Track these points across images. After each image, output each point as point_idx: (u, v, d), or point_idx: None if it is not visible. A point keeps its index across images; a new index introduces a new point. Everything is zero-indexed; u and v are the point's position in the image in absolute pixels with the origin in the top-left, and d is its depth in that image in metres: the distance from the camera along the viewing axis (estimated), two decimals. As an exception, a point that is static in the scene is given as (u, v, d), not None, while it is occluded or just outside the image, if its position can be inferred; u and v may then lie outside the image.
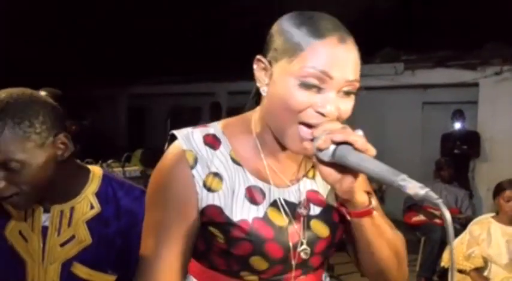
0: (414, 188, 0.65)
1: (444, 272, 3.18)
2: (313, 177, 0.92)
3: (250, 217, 0.83)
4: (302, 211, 0.87)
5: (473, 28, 5.27)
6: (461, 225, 3.84)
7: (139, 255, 0.86)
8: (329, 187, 0.86)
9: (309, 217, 0.88)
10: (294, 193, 0.88)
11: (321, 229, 0.88)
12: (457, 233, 2.96)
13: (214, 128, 0.89)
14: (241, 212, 0.83)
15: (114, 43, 7.66)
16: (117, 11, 7.28)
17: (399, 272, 0.90)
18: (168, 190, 0.84)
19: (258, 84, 0.84)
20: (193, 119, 7.06)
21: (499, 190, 2.76)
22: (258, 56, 0.84)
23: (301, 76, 0.76)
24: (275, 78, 0.80)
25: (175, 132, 0.88)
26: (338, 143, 0.73)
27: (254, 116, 0.90)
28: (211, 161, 0.85)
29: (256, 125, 0.88)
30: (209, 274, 0.87)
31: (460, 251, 2.80)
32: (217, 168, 0.85)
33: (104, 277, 1.07)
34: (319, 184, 0.91)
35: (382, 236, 0.85)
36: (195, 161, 0.84)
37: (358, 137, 0.73)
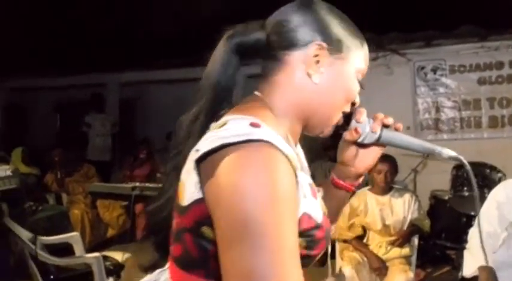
0: (448, 152, 0.88)
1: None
2: None
3: (321, 214, 0.78)
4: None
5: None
6: (347, 199, 4.19)
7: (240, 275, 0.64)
8: None
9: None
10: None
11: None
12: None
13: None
14: (317, 211, 0.77)
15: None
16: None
17: None
18: (282, 203, 0.67)
19: (311, 71, 0.80)
20: (84, 113, 6.68)
21: (371, 164, 3.05)
22: (322, 43, 0.80)
23: (359, 70, 0.85)
24: (339, 68, 0.82)
25: (264, 137, 0.68)
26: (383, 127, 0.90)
27: (276, 106, 0.82)
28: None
29: (282, 117, 0.82)
30: None
31: (343, 222, 3.05)
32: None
33: None
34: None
35: None
36: (297, 167, 0.73)
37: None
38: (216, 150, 0.69)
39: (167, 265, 0.84)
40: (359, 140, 0.90)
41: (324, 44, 0.80)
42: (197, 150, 0.72)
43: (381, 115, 0.90)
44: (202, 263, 0.73)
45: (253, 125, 0.71)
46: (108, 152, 6.37)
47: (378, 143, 0.91)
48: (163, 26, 6.41)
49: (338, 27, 0.82)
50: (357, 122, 0.88)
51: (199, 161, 0.71)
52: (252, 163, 0.67)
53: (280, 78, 0.83)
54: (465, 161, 0.89)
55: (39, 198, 4.53)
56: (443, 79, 5.61)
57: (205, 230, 0.71)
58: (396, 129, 0.91)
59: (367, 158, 0.95)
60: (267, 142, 0.68)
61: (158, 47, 6.63)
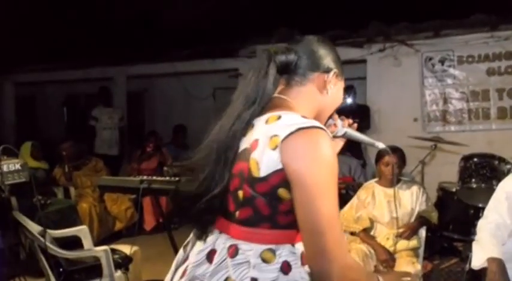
0: (380, 145, 1.35)
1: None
2: None
3: None
4: None
5: (357, 9, 5.64)
6: (354, 192, 4.17)
7: (323, 218, 0.99)
8: None
9: None
10: None
11: None
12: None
13: None
14: None
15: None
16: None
17: None
18: (335, 172, 1.04)
19: (328, 87, 1.21)
20: (91, 107, 6.69)
21: (379, 156, 3.03)
22: (336, 71, 1.22)
23: (343, 88, 1.28)
24: (338, 86, 1.24)
25: (319, 124, 1.06)
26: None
27: (300, 107, 1.17)
28: None
29: (304, 114, 1.13)
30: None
31: (350, 215, 3.04)
32: None
33: None
34: None
35: None
36: None
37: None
38: (293, 132, 1.02)
39: (214, 234, 1.13)
40: (333, 134, 1.29)
41: (337, 72, 1.22)
42: (275, 135, 1.04)
43: (345, 118, 1.33)
44: (269, 219, 1.06)
45: (303, 117, 1.09)
46: (116, 145, 6.39)
47: (343, 136, 1.34)
48: (169, 19, 6.39)
49: (339, 60, 1.25)
50: (334, 121, 1.31)
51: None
52: (320, 142, 1.02)
53: (304, 89, 1.20)
54: (389, 150, 1.44)
55: (48, 192, 4.57)
56: (451, 70, 5.54)
57: (282, 192, 1.04)
58: (353, 129, 1.35)
59: (336, 148, 1.32)
60: (323, 128, 1.06)
61: (164, 40, 6.61)
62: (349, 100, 6.03)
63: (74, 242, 3.00)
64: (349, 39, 5.89)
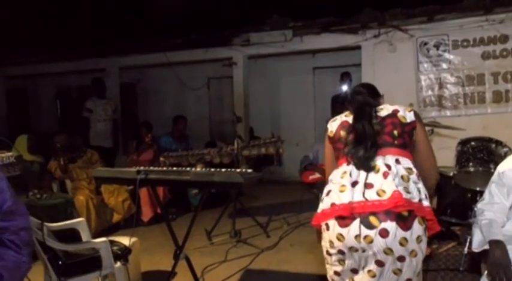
0: None
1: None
2: None
3: None
4: None
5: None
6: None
7: None
8: None
9: None
10: None
11: None
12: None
13: None
14: None
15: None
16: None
17: None
18: None
19: (382, 100, 2.10)
20: (83, 98, 6.61)
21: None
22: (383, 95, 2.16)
23: None
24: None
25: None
26: None
27: None
28: None
29: None
30: None
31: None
32: None
33: None
34: None
35: None
36: None
37: None
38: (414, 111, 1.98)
39: (380, 159, 1.82)
40: None
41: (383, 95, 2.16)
42: (407, 108, 1.95)
43: None
44: (410, 145, 1.90)
45: None
46: (111, 137, 6.32)
47: None
48: (161, 8, 6.30)
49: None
50: None
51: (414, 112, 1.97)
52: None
53: (377, 102, 2.05)
54: None
55: (45, 186, 4.52)
56: (446, 55, 5.53)
57: (414, 132, 1.91)
58: None
59: None
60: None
61: (157, 30, 6.53)
62: (345, 87, 6.00)
63: (70, 236, 2.97)
64: (343, 26, 5.84)
